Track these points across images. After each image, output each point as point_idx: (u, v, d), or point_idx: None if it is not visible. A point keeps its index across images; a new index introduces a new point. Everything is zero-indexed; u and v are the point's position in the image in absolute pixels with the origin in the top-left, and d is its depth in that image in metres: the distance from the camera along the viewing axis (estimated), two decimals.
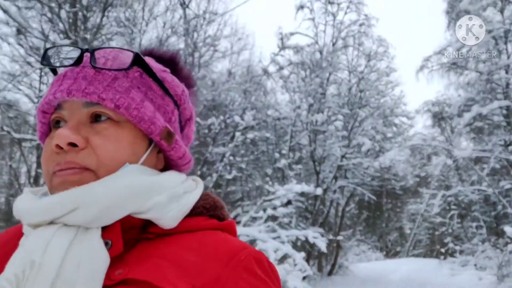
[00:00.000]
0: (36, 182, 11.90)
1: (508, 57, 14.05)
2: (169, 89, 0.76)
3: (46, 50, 0.72)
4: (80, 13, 9.90)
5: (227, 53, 14.50)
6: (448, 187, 18.04)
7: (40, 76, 11.61)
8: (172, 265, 0.63)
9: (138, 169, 0.68)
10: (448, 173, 18.18)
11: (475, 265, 15.06)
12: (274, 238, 7.51)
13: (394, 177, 20.65)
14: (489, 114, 14.31)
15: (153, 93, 0.73)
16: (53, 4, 9.60)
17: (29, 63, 10.69)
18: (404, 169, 21.53)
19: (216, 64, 14.68)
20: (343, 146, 14.57)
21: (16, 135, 9.95)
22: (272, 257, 6.61)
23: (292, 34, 13.67)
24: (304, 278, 7.30)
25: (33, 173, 12.41)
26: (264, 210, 8.48)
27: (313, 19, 15.07)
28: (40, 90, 11.56)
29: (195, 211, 0.72)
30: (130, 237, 0.66)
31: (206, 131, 12.22)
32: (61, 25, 9.74)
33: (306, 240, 8.32)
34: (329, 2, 15.04)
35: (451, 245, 17.85)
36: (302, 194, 11.02)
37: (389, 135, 17.89)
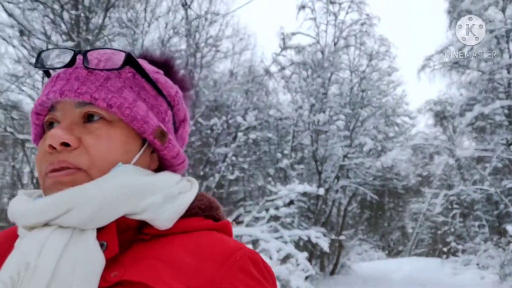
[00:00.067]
0: (38, 182, 11.90)
1: (510, 57, 14.01)
2: (162, 89, 0.76)
3: (39, 53, 0.73)
4: (82, 14, 9.91)
5: (229, 53, 14.53)
6: (450, 187, 17.98)
7: (43, 77, 11.59)
8: (168, 266, 0.62)
9: (131, 169, 0.68)
10: (450, 172, 18.13)
11: (478, 264, 15.00)
12: (276, 238, 7.53)
13: (396, 176, 20.56)
14: (491, 114, 14.28)
15: (146, 93, 0.73)
16: (55, 6, 9.62)
17: (32, 64, 10.71)
18: (406, 169, 21.44)
19: (218, 64, 14.72)
20: (345, 146, 14.55)
21: (19, 136, 9.98)
22: (275, 257, 6.62)
23: (293, 34, 13.72)
24: (306, 277, 7.28)
25: (35, 174, 12.42)
26: (267, 210, 8.49)
27: (314, 19, 15.08)
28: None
29: (190, 212, 0.72)
30: (125, 238, 0.66)
31: (209, 131, 12.21)
32: (63, 26, 9.77)
33: (309, 240, 8.31)
34: (331, 2, 15.03)
35: (453, 244, 17.77)
36: (304, 194, 11.00)
37: (391, 134, 17.82)
